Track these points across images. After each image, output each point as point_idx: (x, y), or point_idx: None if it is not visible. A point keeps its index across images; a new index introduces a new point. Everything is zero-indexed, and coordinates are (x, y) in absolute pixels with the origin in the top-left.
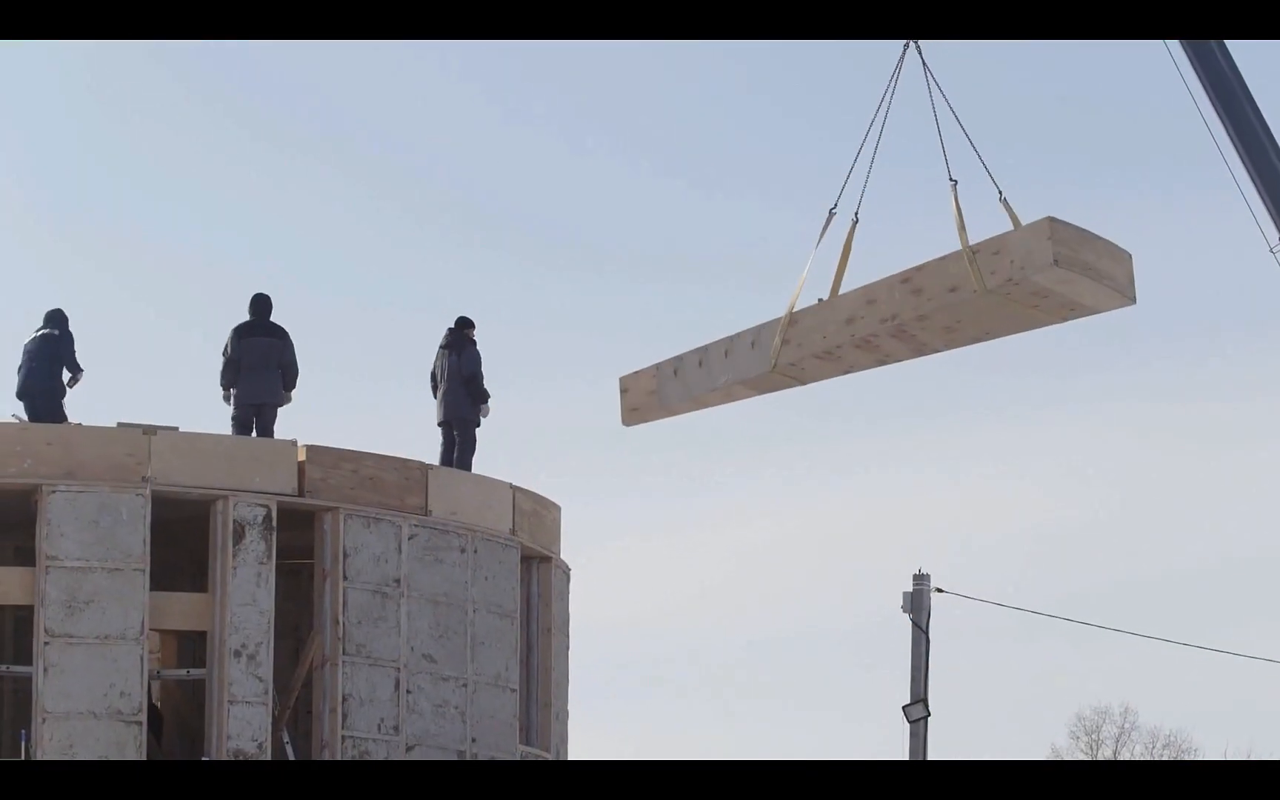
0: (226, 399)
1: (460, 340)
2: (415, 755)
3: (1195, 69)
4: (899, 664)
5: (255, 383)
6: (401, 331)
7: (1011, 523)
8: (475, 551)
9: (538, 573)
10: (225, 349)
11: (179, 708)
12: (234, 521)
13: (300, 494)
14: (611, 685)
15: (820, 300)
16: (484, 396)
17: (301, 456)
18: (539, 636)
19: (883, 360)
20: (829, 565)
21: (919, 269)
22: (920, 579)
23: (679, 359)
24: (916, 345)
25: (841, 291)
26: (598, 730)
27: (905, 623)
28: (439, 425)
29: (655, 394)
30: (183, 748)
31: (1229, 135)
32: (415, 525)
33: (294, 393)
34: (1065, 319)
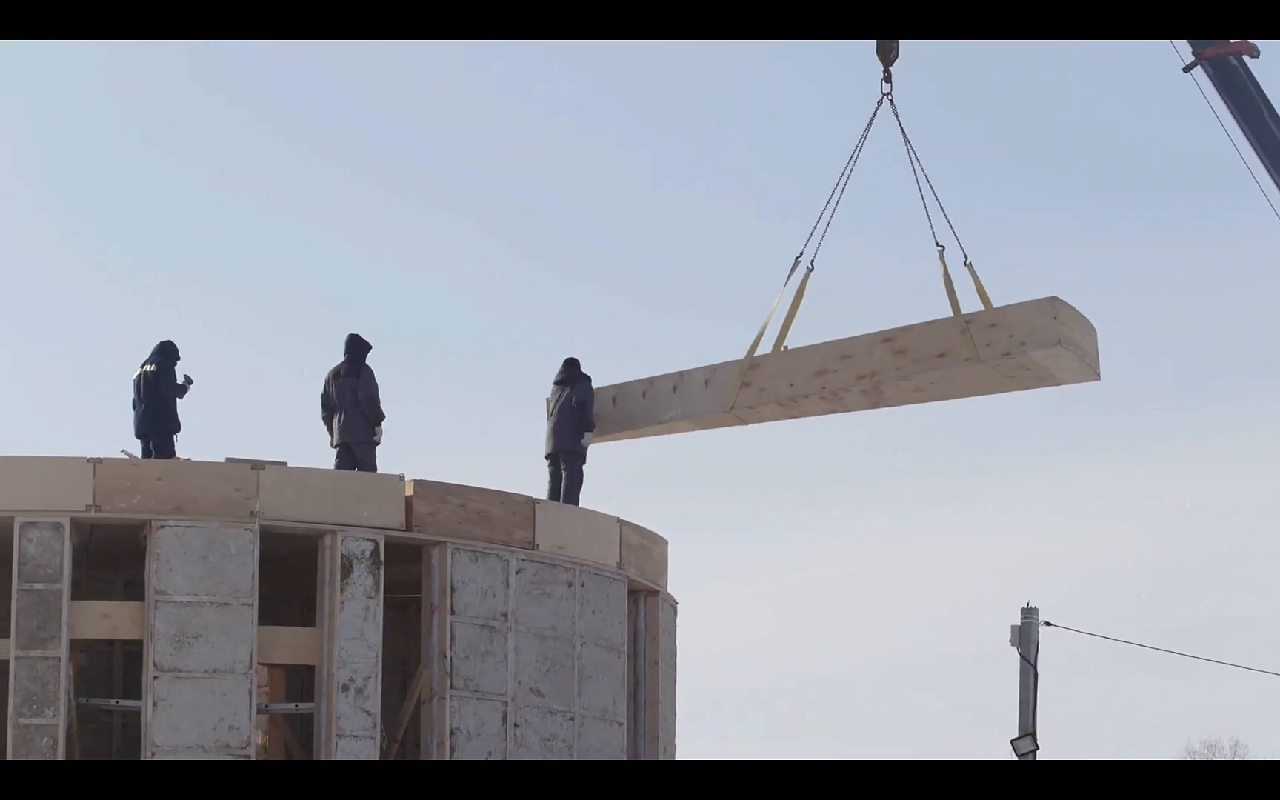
0: (332, 443)
1: (574, 376)
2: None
3: (1218, 89)
4: (1007, 698)
5: (343, 422)
6: (508, 366)
7: (1119, 557)
8: (582, 585)
9: (645, 606)
10: (323, 392)
11: (287, 742)
12: (342, 556)
13: (408, 528)
14: (718, 718)
15: (786, 348)
16: (589, 425)
17: (409, 491)
18: (646, 670)
19: (838, 409)
20: (936, 599)
21: (904, 330)
22: (1028, 612)
23: (620, 388)
24: (879, 399)
25: (790, 337)
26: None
27: (1013, 656)
28: (546, 458)
29: None
30: None
31: (1258, 156)
32: (522, 559)
33: (380, 429)
34: (1029, 388)
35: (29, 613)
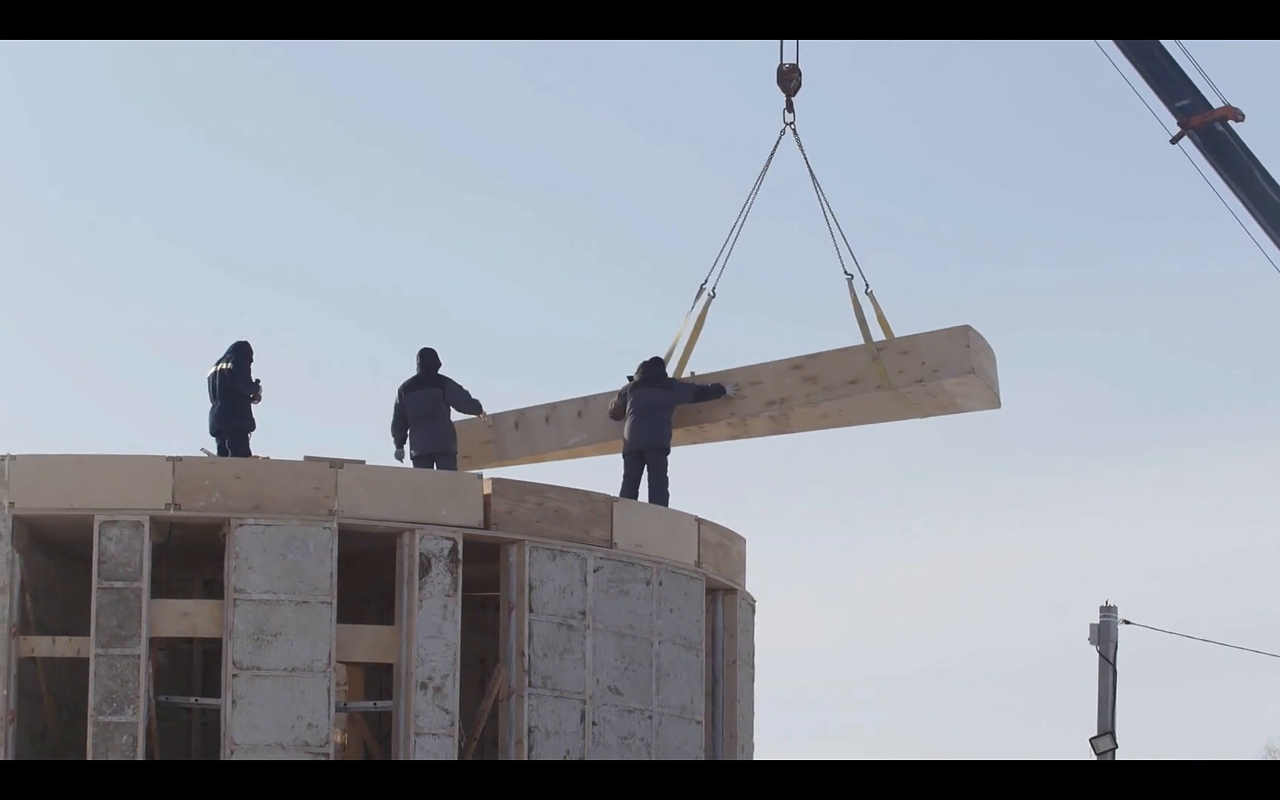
0: (398, 455)
1: (658, 375)
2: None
3: (1208, 156)
4: (1086, 696)
5: (424, 433)
6: (584, 363)
7: (1200, 554)
8: (660, 583)
9: (723, 605)
10: (395, 404)
11: (366, 740)
12: (420, 554)
13: (486, 527)
14: (796, 716)
15: (693, 374)
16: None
17: (487, 489)
18: (724, 668)
19: (743, 434)
20: (1014, 597)
21: (813, 358)
22: (1107, 611)
23: (520, 413)
24: (785, 426)
25: (690, 363)
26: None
27: (1092, 655)
28: (624, 455)
29: (491, 444)
30: None
31: (1255, 218)
32: (600, 558)
33: (485, 414)
34: (932, 415)
35: (109, 611)
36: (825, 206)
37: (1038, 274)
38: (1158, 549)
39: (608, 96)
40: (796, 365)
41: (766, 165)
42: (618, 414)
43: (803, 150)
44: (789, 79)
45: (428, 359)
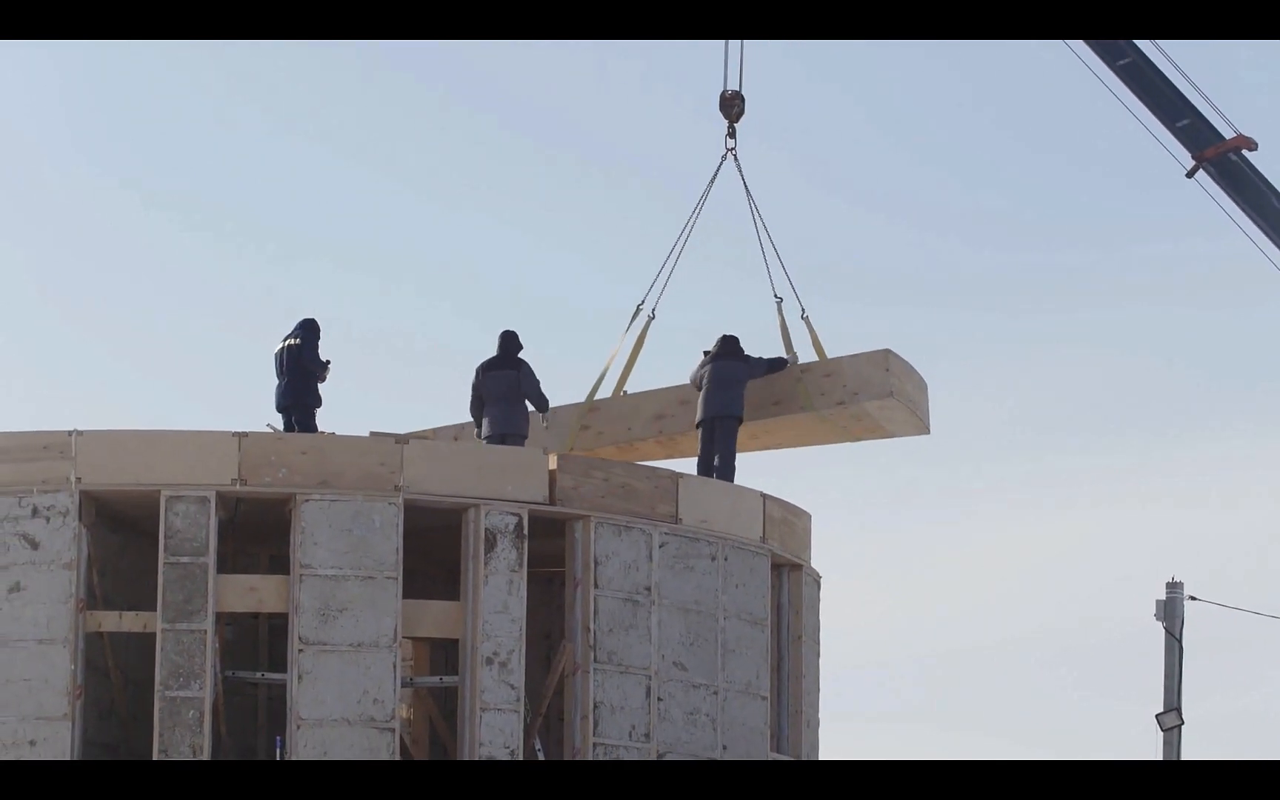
0: (479, 433)
1: (736, 349)
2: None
3: (1224, 187)
4: (1152, 673)
5: (496, 414)
6: (660, 345)
7: (1269, 531)
8: (726, 559)
9: (788, 581)
10: (474, 384)
11: (431, 716)
12: (485, 529)
13: (551, 502)
14: (860, 693)
15: (625, 392)
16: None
17: (553, 465)
18: (790, 645)
19: (675, 454)
20: (1080, 573)
21: None
22: (1174, 587)
23: (460, 428)
24: None
25: (631, 382)
26: (847, 738)
27: (1159, 631)
28: (697, 425)
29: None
30: (435, 757)
31: (1272, 240)
32: (666, 533)
33: (548, 415)
34: (862, 439)
35: (175, 586)
36: (761, 229)
37: (1104, 252)
38: (1226, 526)
39: (693, 88)
40: None
41: (707, 190)
42: (697, 387)
43: (743, 176)
44: (731, 105)
45: (509, 341)
